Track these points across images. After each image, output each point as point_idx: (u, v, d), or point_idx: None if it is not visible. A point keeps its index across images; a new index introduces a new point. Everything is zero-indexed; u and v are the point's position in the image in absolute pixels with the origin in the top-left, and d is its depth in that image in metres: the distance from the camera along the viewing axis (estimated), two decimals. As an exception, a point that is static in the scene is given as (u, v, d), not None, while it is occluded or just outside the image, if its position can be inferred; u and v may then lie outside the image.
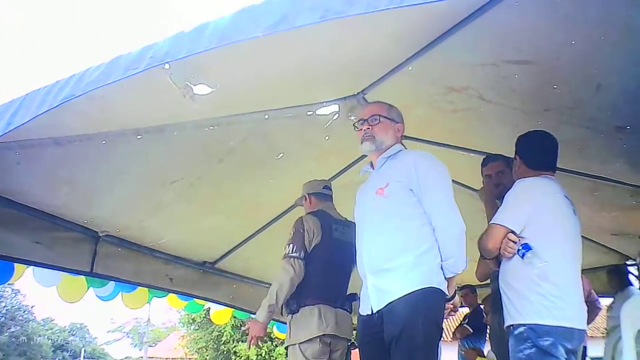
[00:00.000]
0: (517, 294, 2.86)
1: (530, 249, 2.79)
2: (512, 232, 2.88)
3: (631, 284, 5.96)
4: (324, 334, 3.68)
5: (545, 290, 2.76)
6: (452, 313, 3.02)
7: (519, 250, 2.82)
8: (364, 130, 3.01)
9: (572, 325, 2.77)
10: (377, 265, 2.82)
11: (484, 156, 3.77)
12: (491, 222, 3.00)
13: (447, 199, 2.80)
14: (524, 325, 2.79)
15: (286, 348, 3.88)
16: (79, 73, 2.54)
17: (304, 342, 3.69)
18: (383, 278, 2.79)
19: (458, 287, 3.50)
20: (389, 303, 2.71)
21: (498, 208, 3.06)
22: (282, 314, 3.95)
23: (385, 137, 3.00)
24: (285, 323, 3.92)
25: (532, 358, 2.73)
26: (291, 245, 3.72)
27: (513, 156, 3.20)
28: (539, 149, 3.12)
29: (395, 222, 2.81)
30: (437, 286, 2.69)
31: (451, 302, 2.90)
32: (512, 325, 2.88)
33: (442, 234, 2.75)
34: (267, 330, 4.30)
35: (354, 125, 3.12)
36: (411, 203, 2.79)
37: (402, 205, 2.81)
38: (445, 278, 2.76)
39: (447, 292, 2.78)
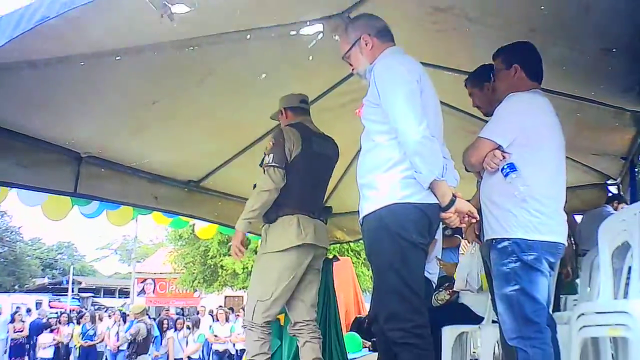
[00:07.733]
0: (500, 209, 2.84)
1: (515, 170, 2.74)
2: (499, 146, 2.82)
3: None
4: (302, 244, 3.71)
5: (531, 205, 2.75)
6: (468, 219, 2.71)
7: (503, 168, 2.77)
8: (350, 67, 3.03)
9: (556, 239, 2.79)
10: (358, 181, 2.80)
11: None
12: (479, 135, 2.92)
13: (398, 107, 2.59)
14: (508, 239, 2.78)
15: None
16: (53, -6, 2.46)
17: (281, 250, 3.70)
18: (361, 193, 2.78)
19: None
20: (362, 219, 2.74)
21: None
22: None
23: (358, 64, 2.95)
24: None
25: (516, 272, 2.74)
26: (271, 154, 3.71)
27: (501, 64, 3.04)
28: (538, 59, 3.02)
29: (369, 141, 2.77)
30: (401, 201, 2.59)
31: (450, 209, 2.61)
32: (494, 239, 2.86)
33: (402, 147, 2.60)
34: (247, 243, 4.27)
35: None
36: (379, 120, 2.71)
37: (372, 123, 2.76)
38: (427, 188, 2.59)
39: (427, 202, 2.60)
